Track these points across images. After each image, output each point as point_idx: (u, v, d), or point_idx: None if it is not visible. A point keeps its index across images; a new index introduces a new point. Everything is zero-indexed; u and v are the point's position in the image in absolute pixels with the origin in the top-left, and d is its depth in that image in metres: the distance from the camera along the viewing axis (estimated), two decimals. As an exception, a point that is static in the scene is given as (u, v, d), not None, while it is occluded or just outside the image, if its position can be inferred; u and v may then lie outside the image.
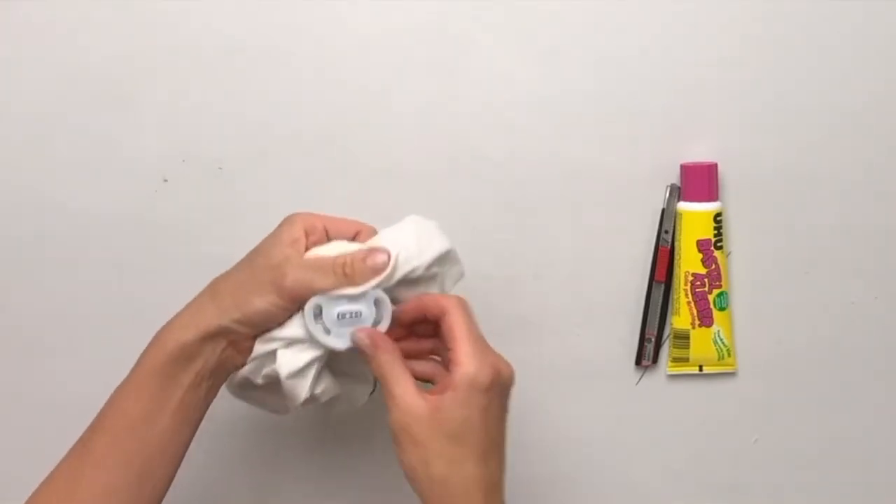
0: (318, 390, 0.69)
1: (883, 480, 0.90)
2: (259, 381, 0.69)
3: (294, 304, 0.66)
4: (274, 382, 0.68)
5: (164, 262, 0.83)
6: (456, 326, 0.66)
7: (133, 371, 0.68)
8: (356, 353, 0.68)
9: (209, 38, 0.81)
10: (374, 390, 0.72)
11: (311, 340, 0.67)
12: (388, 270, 0.66)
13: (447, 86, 0.82)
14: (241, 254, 0.81)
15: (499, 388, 0.66)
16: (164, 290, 0.83)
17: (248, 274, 0.67)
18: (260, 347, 0.68)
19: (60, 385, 0.85)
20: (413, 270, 0.67)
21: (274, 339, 0.67)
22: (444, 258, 0.70)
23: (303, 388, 0.68)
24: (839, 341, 0.88)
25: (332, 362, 0.70)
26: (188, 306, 0.68)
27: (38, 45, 0.80)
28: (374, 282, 0.66)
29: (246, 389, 0.71)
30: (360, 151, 0.83)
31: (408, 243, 0.68)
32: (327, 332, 0.67)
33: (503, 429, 0.67)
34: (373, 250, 0.67)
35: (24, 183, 0.82)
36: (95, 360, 0.83)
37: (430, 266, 0.68)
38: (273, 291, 0.66)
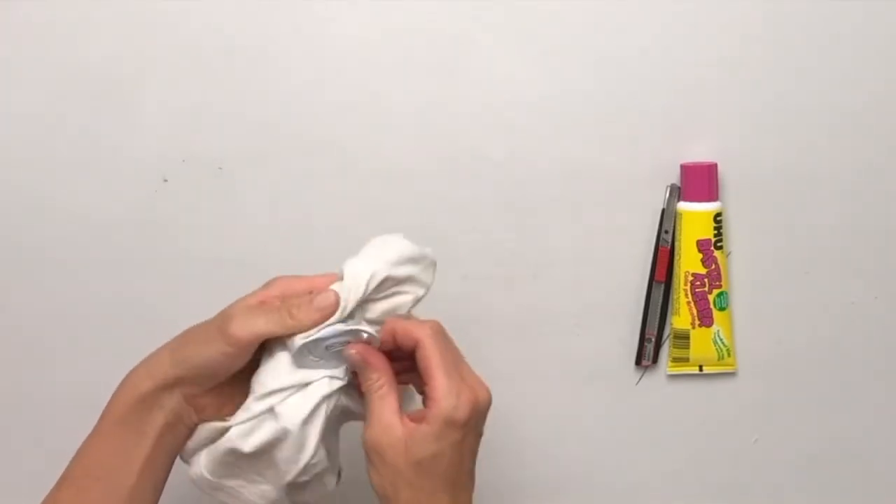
0: (317, 458, 0.65)
1: (883, 480, 0.90)
2: (247, 448, 0.64)
3: (243, 352, 0.64)
4: (263, 452, 0.65)
5: (164, 262, 0.83)
6: (430, 361, 0.64)
7: (98, 421, 0.67)
8: (334, 429, 0.68)
9: (209, 38, 0.81)
10: (339, 480, 0.69)
11: (314, 381, 0.65)
12: (339, 312, 0.64)
13: (447, 86, 0.82)
14: (240, 254, 0.82)
15: (475, 419, 0.64)
16: (164, 290, 0.83)
17: (208, 328, 0.66)
18: (255, 406, 0.64)
19: (60, 385, 0.85)
20: (371, 278, 0.65)
21: (273, 393, 0.64)
22: (410, 258, 0.67)
23: (314, 436, 0.64)
24: (839, 341, 0.88)
25: None
26: (151, 354, 0.67)
27: (38, 45, 0.80)
28: (328, 322, 0.64)
29: (223, 471, 0.66)
30: (360, 151, 0.83)
31: (358, 264, 0.66)
32: (319, 361, 0.65)
33: (475, 455, 0.66)
34: (320, 291, 0.65)
35: (24, 183, 0.82)
36: (95, 360, 0.83)
37: (394, 266, 0.66)
38: (220, 338, 0.64)
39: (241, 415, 0.65)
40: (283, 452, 0.64)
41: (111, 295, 0.84)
